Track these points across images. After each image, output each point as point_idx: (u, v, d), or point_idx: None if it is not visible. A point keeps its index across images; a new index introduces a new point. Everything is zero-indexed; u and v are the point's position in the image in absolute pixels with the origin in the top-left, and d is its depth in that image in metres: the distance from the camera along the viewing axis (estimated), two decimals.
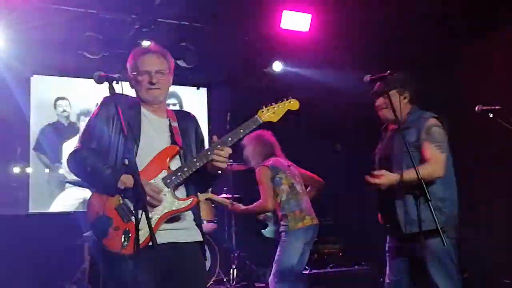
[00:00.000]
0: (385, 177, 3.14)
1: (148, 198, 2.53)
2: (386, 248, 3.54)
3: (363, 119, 6.42)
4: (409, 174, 3.10)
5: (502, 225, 5.46)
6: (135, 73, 2.78)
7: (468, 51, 5.73)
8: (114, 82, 2.51)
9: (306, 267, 5.48)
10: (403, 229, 3.27)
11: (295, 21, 6.07)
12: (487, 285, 5.31)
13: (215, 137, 2.73)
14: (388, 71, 3.09)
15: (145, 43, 2.93)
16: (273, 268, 4.49)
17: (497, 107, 3.65)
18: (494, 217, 5.58)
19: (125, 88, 2.64)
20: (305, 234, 4.45)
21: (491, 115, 3.64)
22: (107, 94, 2.52)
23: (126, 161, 2.52)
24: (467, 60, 5.76)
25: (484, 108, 3.68)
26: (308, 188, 4.80)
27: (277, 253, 4.47)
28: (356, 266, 5.77)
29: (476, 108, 3.70)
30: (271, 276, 4.51)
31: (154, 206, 2.58)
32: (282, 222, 4.47)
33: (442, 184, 3.25)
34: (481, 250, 5.26)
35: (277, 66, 7.08)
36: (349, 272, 5.68)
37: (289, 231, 4.42)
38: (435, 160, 3.21)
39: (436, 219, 2.89)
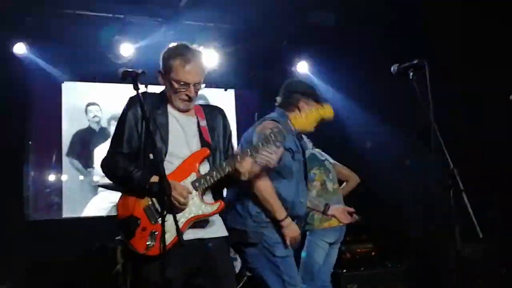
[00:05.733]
0: None
1: (174, 198, 2.52)
2: None
3: (394, 114, 6.35)
4: None
5: None
6: (172, 78, 2.71)
7: None
8: (138, 79, 2.53)
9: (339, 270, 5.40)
10: None
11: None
12: None
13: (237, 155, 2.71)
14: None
15: (190, 47, 2.84)
16: (299, 268, 4.43)
17: None
18: None
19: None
20: (330, 234, 4.35)
21: None
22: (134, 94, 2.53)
23: (151, 156, 2.52)
24: None
25: None
26: (343, 184, 4.71)
27: (302, 253, 4.40)
28: (389, 266, 5.66)
29: (511, 97, 3.58)
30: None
31: (178, 208, 2.56)
32: (308, 220, 4.40)
33: None
34: None
35: (303, 67, 7.03)
36: (382, 272, 5.57)
37: (313, 230, 4.33)
38: None
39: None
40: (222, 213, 3.06)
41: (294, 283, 3.20)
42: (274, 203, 3.17)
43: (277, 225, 3.19)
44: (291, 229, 3.19)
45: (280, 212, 3.17)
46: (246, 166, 2.66)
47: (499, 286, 5.07)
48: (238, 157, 2.67)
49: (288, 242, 3.19)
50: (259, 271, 3.25)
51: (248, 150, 2.69)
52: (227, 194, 3.31)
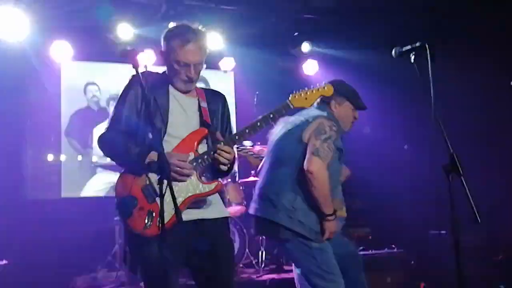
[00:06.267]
0: None
1: (176, 169, 2.52)
2: None
3: (394, 100, 6.33)
4: None
5: None
6: (173, 59, 2.67)
7: None
8: (138, 57, 2.49)
9: None
10: None
11: None
12: None
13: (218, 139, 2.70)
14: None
15: (191, 27, 2.77)
16: None
17: None
18: None
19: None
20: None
21: None
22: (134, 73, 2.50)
23: (150, 135, 2.50)
24: None
25: None
26: None
27: None
28: (386, 249, 5.68)
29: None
30: None
31: (180, 180, 2.55)
32: None
33: None
34: None
35: (305, 47, 6.99)
36: (378, 256, 5.59)
37: None
38: None
39: None
40: (257, 201, 3.19)
41: (332, 271, 3.17)
42: (328, 198, 3.16)
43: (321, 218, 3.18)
44: (334, 224, 3.18)
45: (330, 208, 3.17)
46: (226, 155, 2.62)
47: (495, 272, 5.09)
48: (222, 143, 2.63)
49: (326, 235, 3.16)
50: (298, 264, 3.26)
51: (258, 124, 2.67)
52: (262, 180, 3.32)
